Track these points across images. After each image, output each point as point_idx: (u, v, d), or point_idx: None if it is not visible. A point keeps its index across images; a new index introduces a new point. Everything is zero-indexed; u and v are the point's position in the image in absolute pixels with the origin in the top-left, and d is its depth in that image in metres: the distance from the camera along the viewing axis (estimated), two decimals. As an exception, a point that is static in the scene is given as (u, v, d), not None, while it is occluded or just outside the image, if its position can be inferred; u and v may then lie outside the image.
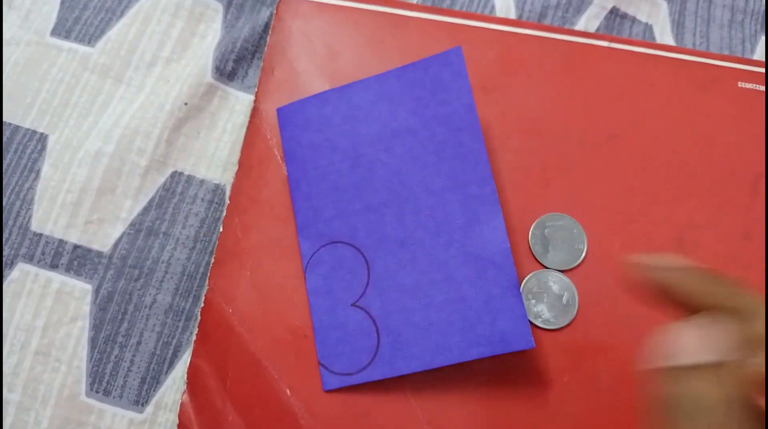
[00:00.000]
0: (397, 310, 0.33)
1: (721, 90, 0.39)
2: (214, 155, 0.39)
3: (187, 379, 0.33)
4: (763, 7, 0.45)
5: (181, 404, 0.33)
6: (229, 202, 0.36)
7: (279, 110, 0.37)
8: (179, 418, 0.32)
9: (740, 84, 0.39)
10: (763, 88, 0.39)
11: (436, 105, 0.35)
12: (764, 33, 0.44)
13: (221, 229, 0.36)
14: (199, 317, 0.34)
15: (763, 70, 0.40)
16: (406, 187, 0.34)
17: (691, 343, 0.17)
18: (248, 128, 0.37)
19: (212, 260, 0.35)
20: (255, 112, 0.38)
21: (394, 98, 0.35)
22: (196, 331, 0.34)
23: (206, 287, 0.35)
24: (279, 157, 0.37)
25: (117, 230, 0.37)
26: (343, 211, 0.35)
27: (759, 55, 0.43)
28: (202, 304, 0.34)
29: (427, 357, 0.32)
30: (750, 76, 0.39)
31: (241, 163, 0.37)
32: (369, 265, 0.34)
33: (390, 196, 0.34)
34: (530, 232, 0.36)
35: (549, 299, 0.35)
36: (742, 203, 0.37)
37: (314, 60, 0.39)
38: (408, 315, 0.33)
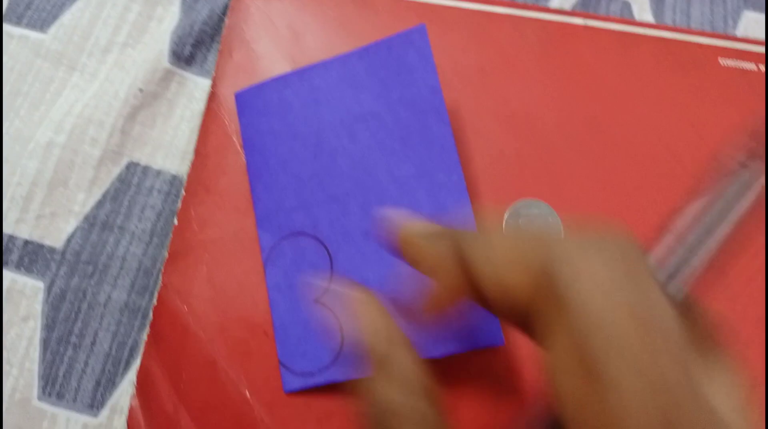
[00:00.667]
0: None
1: (701, 68, 0.37)
2: (172, 144, 0.37)
3: (137, 382, 0.31)
4: (747, -17, 0.43)
5: (130, 409, 0.31)
6: (184, 193, 0.34)
7: (237, 95, 0.35)
8: (128, 424, 0.31)
9: (721, 61, 0.37)
10: (746, 65, 0.38)
11: (401, 87, 0.33)
12: (747, 8, 0.42)
13: (176, 222, 0.34)
14: (152, 315, 0.33)
15: (745, 46, 0.38)
16: (371, 176, 0.32)
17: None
18: (205, 114, 0.36)
19: (167, 254, 0.34)
20: (212, 97, 0.36)
21: (357, 81, 0.33)
22: (148, 330, 0.32)
23: (160, 283, 0.33)
24: (237, 145, 0.35)
25: (70, 225, 0.35)
26: (304, 202, 0.33)
27: (741, 31, 0.42)
28: (155, 302, 0.33)
29: None
30: (732, 53, 0.38)
31: (197, 151, 0.35)
32: (332, 259, 0.32)
33: (354, 186, 0.32)
34: (504, 222, 0.34)
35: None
36: (726, 187, 0.35)
37: (275, 42, 0.37)
38: None
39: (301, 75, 0.34)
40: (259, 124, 0.34)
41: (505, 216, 0.34)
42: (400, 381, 0.18)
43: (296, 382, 0.31)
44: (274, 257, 0.33)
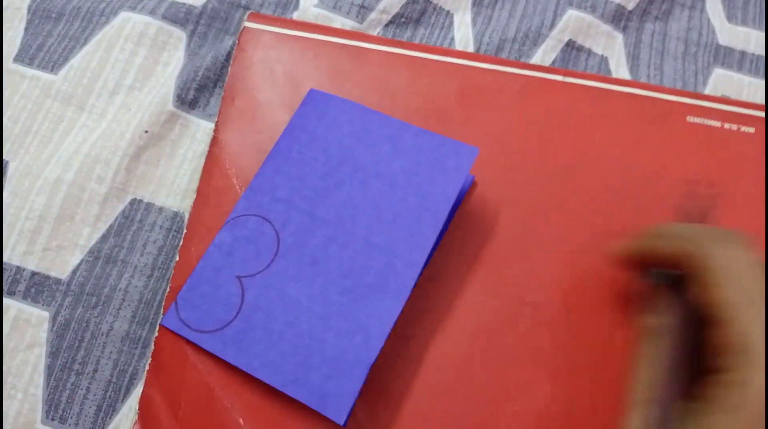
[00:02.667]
0: (266, 308, 0.34)
1: (670, 124, 0.40)
2: (174, 183, 0.39)
3: (139, 409, 0.33)
4: (717, 41, 0.46)
5: (133, 435, 0.33)
6: (186, 231, 0.36)
7: (311, 91, 0.38)
8: (130, 449, 0.33)
9: (689, 118, 0.40)
10: (712, 122, 0.40)
11: (426, 178, 0.36)
12: (717, 66, 0.45)
13: (177, 258, 0.36)
14: (153, 346, 0.35)
15: (712, 104, 0.41)
16: (352, 223, 0.35)
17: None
18: (207, 157, 0.38)
19: (168, 289, 0.36)
20: (214, 142, 0.38)
21: (400, 148, 0.36)
22: (149, 360, 0.34)
23: (161, 315, 0.35)
24: (237, 187, 0.37)
25: (75, 257, 0.37)
26: (290, 201, 0.36)
27: (711, 88, 0.44)
28: (156, 333, 0.35)
29: (256, 363, 0.33)
30: (699, 111, 0.41)
31: (199, 191, 0.37)
32: (276, 258, 0.35)
33: (335, 219, 0.35)
34: (484, 262, 0.37)
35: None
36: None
37: (276, 90, 0.39)
38: (272, 318, 0.34)
39: (365, 112, 0.37)
40: (308, 123, 0.37)
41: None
42: None
43: (174, 324, 0.35)
44: (234, 224, 0.36)
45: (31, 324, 0.36)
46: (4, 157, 0.39)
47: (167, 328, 0.34)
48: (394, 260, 0.34)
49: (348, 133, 0.37)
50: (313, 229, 0.35)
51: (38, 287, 0.36)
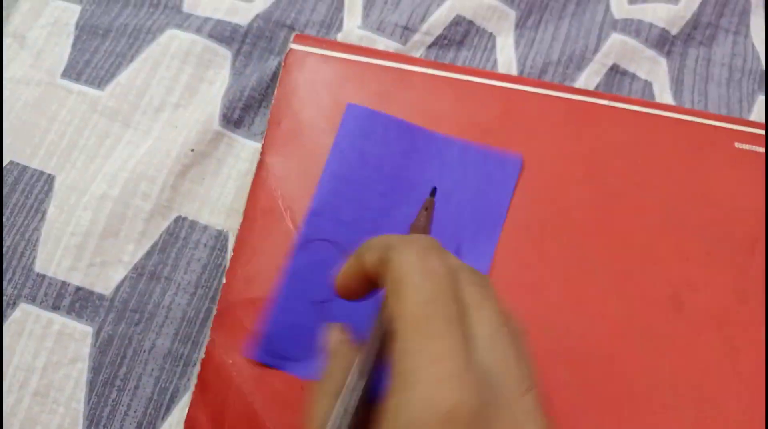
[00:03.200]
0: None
1: (718, 151, 0.40)
2: (218, 201, 0.39)
3: (185, 429, 0.33)
4: (761, 67, 0.46)
5: (178, 454, 0.33)
6: (232, 253, 0.37)
7: (349, 105, 0.39)
8: (175, 469, 0.33)
9: (737, 145, 0.40)
10: (759, 149, 0.40)
11: (476, 191, 0.37)
12: (762, 93, 0.45)
13: (224, 280, 0.36)
14: (198, 365, 0.35)
15: (759, 131, 0.41)
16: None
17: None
18: (254, 180, 0.38)
19: (214, 309, 0.36)
20: (261, 165, 0.38)
21: (448, 163, 0.37)
22: (195, 380, 0.35)
23: (207, 336, 0.35)
24: (283, 209, 0.37)
25: (119, 274, 0.37)
26: (355, 225, 0.36)
27: (756, 114, 0.44)
28: (203, 355, 0.35)
29: None
30: (747, 137, 0.40)
31: (245, 213, 0.37)
32: None
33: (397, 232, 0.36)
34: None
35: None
36: (738, 265, 0.37)
37: (321, 112, 0.39)
38: None
39: (410, 128, 0.38)
40: (355, 141, 0.38)
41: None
42: None
43: (260, 355, 0.34)
44: (307, 249, 0.36)
45: (74, 339, 0.36)
46: (51, 172, 0.39)
47: (250, 359, 0.34)
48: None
49: (397, 151, 0.37)
50: None
51: (82, 302, 0.37)
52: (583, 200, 0.38)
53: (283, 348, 0.34)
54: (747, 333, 0.36)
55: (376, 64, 0.41)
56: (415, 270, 0.22)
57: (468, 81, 0.41)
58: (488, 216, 0.36)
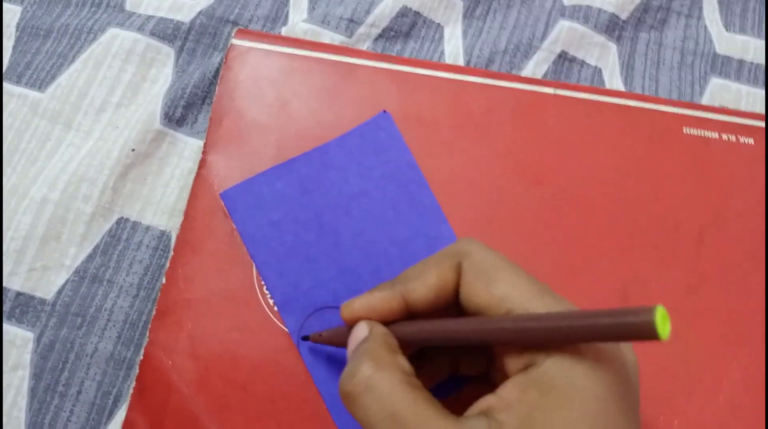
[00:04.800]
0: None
1: (666, 138, 0.39)
2: (161, 202, 0.39)
3: (122, 434, 0.33)
4: (714, 49, 0.45)
5: (114, 460, 0.32)
6: (173, 253, 0.36)
7: (223, 194, 0.37)
8: (110, 475, 0.32)
9: (685, 130, 0.39)
10: (708, 133, 0.40)
11: (381, 165, 0.37)
12: (716, 75, 0.44)
13: (164, 280, 0.35)
14: (138, 369, 0.34)
15: (709, 115, 0.40)
16: (373, 244, 0.36)
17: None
18: (195, 179, 0.37)
19: (154, 310, 0.35)
20: (203, 163, 0.38)
21: (340, 165, 0.37)
22: (134, 383, 0.34)
23: (147, 338, 0.35)
24: (225, 209, 0.36)
25: (61, 277, 0.37)
26: (320, 280, 0.36)
27: (707, 98, 0.44)
28: (141, 357, 0.34)
29: None
30: (695, 122, 0.40)
31: (186, 213, 0.37)
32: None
33: (361, 255, 0.36)
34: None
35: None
36: (687, 256, 0.37)
37: (264, 109, 0.39)
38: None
39: (287, 167, 0.37)
40: (256, 218, 0.36)
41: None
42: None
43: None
44: (302, 345, 0.35)
45: (15, 345, 0.35)
46: (-9, 176, 0.38)
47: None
48: (426, 234, 0.36)
49: (297, 193, 0.37)
50: (357, 277, 0.36)
51: (23, 308, 0.36)
52: (528, 193, 0.38)
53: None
54: (696, 324, 0.36)
55: (320, 58, 0.40)
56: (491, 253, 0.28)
57: (414, 73, 0.40)
58: (410, 179, 0.37)
